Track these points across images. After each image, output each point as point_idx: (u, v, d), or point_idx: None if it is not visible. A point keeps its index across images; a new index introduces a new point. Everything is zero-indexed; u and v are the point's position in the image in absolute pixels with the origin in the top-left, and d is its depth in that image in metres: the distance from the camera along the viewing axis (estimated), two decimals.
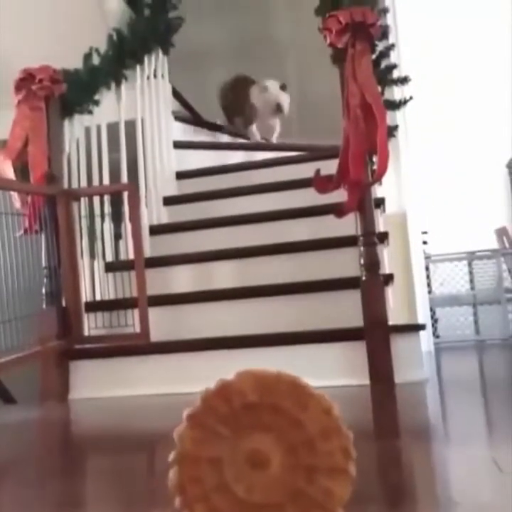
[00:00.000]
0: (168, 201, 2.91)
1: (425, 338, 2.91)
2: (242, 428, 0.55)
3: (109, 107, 2.63)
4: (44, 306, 2.21)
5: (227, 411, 0.55)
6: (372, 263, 1.95)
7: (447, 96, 4.86)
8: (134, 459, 1.10)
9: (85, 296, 2.34)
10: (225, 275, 2.41)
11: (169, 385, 2.01)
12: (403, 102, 2.65)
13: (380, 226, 2.39)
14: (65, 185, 2.38)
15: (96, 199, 2.51)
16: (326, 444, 0.55)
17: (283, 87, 3.50)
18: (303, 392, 0.56)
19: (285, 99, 3.47)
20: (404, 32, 3.44)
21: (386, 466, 0.95)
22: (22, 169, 2.23)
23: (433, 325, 3.87)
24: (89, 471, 1.09)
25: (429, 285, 3.93)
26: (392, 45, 2.69)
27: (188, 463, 0.55)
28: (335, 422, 0.56)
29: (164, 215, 2.87)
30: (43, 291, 2.22)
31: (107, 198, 2.52)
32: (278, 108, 3.44)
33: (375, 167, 1.95)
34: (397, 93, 2.76)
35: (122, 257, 2.58)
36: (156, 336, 2.15)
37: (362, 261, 1.96)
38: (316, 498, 0.54)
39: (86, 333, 2.27)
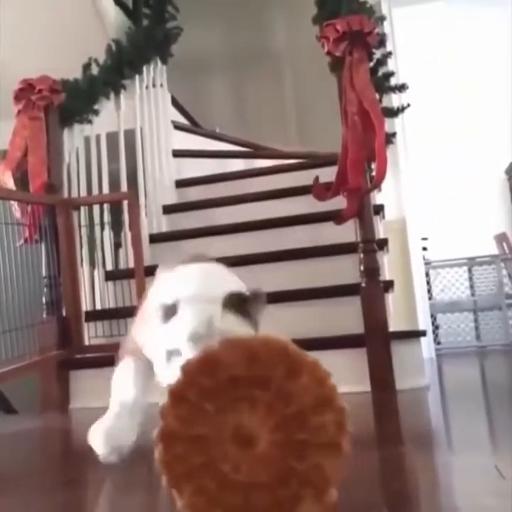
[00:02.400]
0: (168, 209, 2.91)
1: (426, 344, 2.90)
2: (229, 403, 0.51)
3: (109, 116, 2.64)
4: (44, 315, 2.21)
5: (212, 385, 0.52)
6: (372, 270, 1.95)
7: (445, 102, 4.88)
8: (136, 468, 1.10)
9: (85, 305, 2.33)
10: None
11: None
12: (401, 109, 2.66)
13: (380, 233, 2.39)
14: (65, 195, 2.39)
15: (96, 208, 2.52)
16: (318, 417, 0.51)
17: (229, 304, 0.97)
18: (294, 360, 0.52)
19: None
20: (401, 40, 3.46)
21: (389, 473, 0.95)
22: (22, 179, 2.23)
23: (434, 331, 3.86)
24: (91, 480, 1.08)
25: (429, 291, 3.92)
26: (390, 53, 2.70)
27: (172, 441, 0.52)
28: (329, 393, 0.51)
29: (164, 224, 2.87)
30: (43, 300, 2.21)
31: (106, 206, 2.52)
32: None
33: (373, 174, 1.95)
34: (395, 100, 2.78)
35: (122, 265, 2.58)
36: None
37: (362, 268, 1.96)
38: (307, 476, 0.50)
39: (86, 342, 2.26)
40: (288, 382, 0.51)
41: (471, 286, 4.31)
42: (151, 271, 2.38)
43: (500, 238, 4.58)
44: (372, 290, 1.94)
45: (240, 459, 0.51)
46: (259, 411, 0.51)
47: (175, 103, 3.41)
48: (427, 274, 3.99)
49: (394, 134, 2.81)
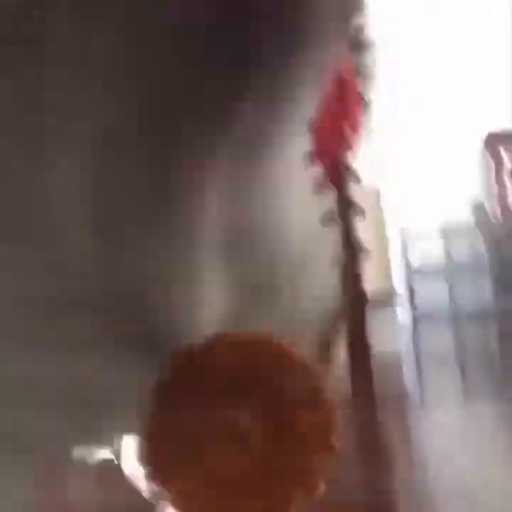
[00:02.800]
0: None
1: (401, 309, 2.94)
2: (219, 399, 0.51)
3: None
4: None
5: (201, 380, 0.51)
6: (348, 238, 1.96)
7: (424, 69, 4.85)
8: None
9: None
10: None
11: None
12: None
13: (356, 201, 2.39)
14: None
15: None
16: (310, 416, 0.51)
17: None
18: (287, 358, 0.52)
19: None
20: (378, 8, 3.40)
21: (363, 433, 0.97)
22: None
23: (410, 297, 3.91)
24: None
25: (405, 258, 3.96)
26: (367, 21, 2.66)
27: (161, 439, 0.51)
28: (321, 391, 0.52)
29: None
30: None
31: None
32: None
33: (348, 139, 1.94)
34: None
35: None
36: None
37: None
38: (297, 476, 0.50)
39: None
40: (280, 379, 0.51)
41: (448, 254, 4.36)
42: None
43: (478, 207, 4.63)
44: (349, 257, 1.95)
45: (232, 458, 0.51)
46: (251, 409, 0.51)
47: None
48: (403, 242, 4.02)
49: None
